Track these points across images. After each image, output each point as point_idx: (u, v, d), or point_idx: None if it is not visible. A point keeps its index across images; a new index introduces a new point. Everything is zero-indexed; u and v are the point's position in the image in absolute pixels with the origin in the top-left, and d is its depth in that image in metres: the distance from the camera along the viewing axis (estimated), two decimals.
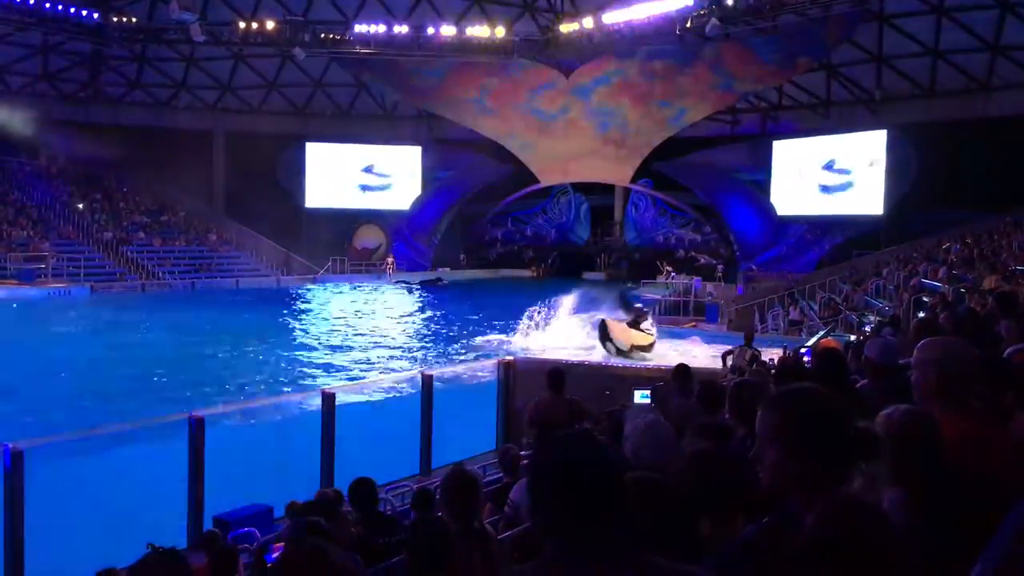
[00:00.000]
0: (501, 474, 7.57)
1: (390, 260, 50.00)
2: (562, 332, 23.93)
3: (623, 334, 20.88)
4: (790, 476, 2.05)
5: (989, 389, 3.14)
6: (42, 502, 8.34)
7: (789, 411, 2.09)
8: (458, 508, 3.98)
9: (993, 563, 1.83)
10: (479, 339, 25.95)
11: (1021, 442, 2.99)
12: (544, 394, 8.00)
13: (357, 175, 53.05)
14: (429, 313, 34.36)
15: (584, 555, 1.77)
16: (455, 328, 28.77)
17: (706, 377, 7.92)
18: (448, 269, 50.85)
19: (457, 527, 3.96)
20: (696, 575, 1.98)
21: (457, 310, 33.86)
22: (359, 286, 45.86)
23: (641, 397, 8.67)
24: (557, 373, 8.18)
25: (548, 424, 7.69)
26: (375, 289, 45.37)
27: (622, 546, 1.80)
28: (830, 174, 43.86)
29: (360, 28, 45.28)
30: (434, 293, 43.31)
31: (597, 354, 20.48)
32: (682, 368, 8.09)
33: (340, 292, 43.88)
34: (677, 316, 28.83)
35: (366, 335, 28.14)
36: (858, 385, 4.92)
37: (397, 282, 47.10)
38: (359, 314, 34.56)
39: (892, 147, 41.22)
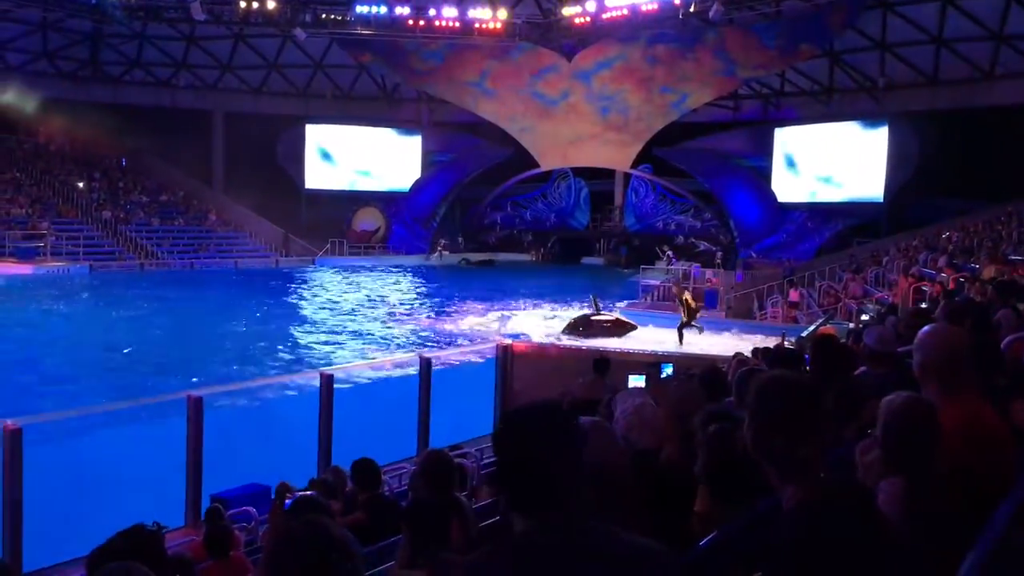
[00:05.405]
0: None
1: (442, 242, 50.87)
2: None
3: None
4: (761, 452, 2.11)
5: (987, 378, 3.15)
6: (41, 480, 8.35)
7: (757, 391, 2.17)
8: (434, 482, 4.44)
9: (986, 547, 1.84)
10: None
11: (1018, 430, 2.99)
12: (590, 376, 9.42)
13: (357, 157, 52.90)
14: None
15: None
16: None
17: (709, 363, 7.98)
18: (448, 252, 50.80)
19: (436, 498, 4.34)
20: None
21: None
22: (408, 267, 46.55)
23: (635, 381, 8.73)
24: (603, 361, 9.64)
25: (588, 402, 8.14)
26: (430, 269, 46.45)
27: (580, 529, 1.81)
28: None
29: (362, 9, 45.02)
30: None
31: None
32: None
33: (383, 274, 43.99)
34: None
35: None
36: (855, 372, 4.92)
37: (463, 259, 49.65)
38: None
39: (894, 135, 41.11)
